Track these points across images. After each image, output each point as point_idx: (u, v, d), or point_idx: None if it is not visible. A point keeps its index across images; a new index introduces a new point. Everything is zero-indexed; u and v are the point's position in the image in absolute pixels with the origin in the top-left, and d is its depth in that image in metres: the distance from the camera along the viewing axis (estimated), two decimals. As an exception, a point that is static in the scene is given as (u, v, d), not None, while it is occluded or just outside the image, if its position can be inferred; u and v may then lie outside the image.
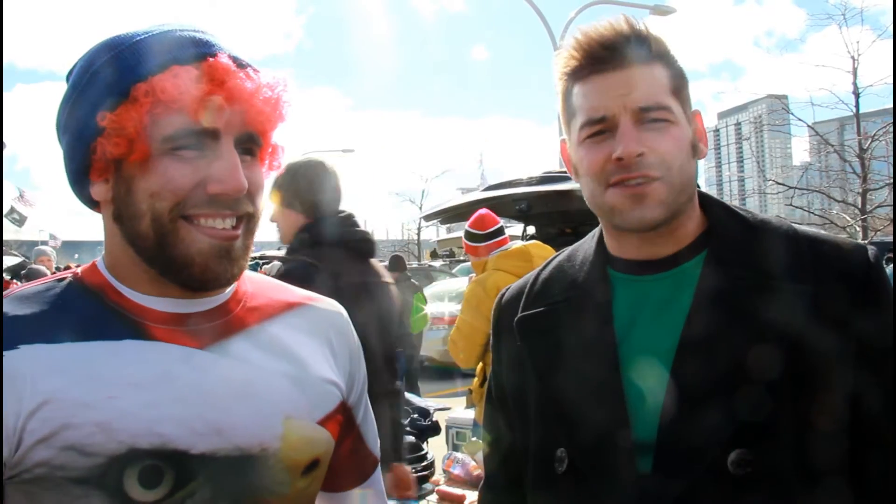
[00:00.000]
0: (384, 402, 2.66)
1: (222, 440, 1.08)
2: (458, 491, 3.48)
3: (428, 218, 10.19)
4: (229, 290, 1.20)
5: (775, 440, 1.16)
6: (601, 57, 1.26)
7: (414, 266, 19.42)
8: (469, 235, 4.83)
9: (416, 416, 5.58)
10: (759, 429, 1.16)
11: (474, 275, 4.92)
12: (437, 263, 23.39)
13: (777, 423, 1.17)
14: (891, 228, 21.29)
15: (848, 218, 22.41)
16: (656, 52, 1.28)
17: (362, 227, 3.06)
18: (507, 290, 1.53)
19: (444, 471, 3.71)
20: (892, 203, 21.75)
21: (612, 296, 1.33)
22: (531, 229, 9.37)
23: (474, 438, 3.89)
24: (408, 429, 5.34)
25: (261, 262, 9.86)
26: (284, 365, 1.19)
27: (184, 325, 1.13)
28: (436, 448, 5.21)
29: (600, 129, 1.26)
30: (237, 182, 1.08)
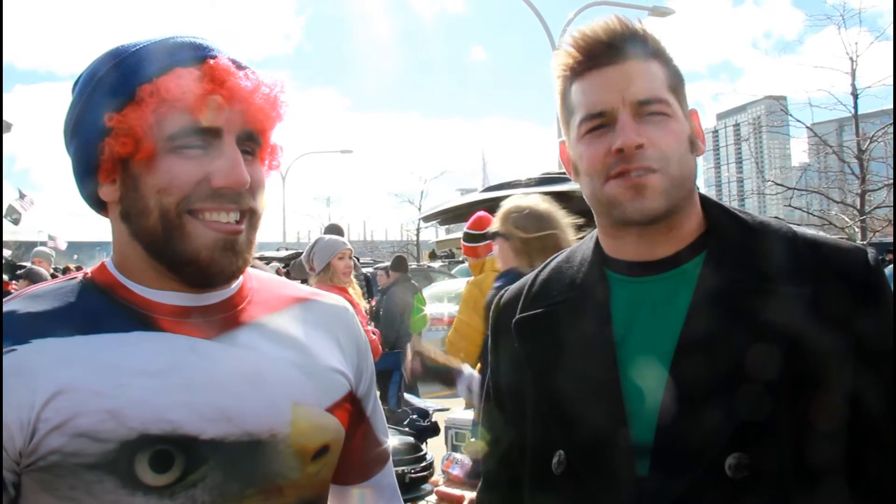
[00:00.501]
0: None
1: (232, 426, 1.11)
2: (457, 491, 3.48)
3: (427, 219, 10.20)
4: (235, 285, 1.24)
5: (773, 442, 1.17)
6: (598, 53, 1.27)
7: (413, 267, 19.41)
8: (467, 237, 4.83)
9: (415, 416, 5.59)
10: (757, 431, 1.16)
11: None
12: (437, 264, 23.36)
13: (775, 425, 1.17)
14: (889, 229, 21.32)
15: (847, 219, 22.44)
16: (653, 50, 1.29)
17: None
18: (505, 291, 1.53)
19: (444, 471, 3.71)
20: (890, 204, 21.78)
21: (610, 297, 1.33)
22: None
23: (473, 439, 3.89)
24: (407, 429, 5.34)
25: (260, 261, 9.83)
26: (292, 353, 1.23)
27: (192, 318, 1.17)
28: (435, 449, 5.22)
29: (599, 123, 1.27)
30: (240, 175, 1.13)
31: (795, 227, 1.33)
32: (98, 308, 1.15)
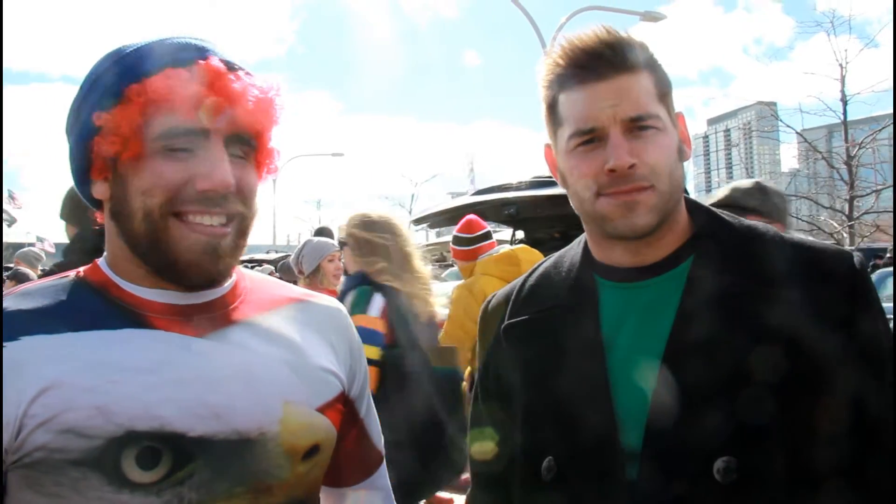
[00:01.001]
0: None
1: (221, 423, 1.11)
2: (446, 495, 3.48)
3: (417, 222, 10.17)
4: (228, 284, 1.24)
5: (763, 445, 1.17)
6: (587, 66, 1.27)
7: (403, 270, 19.28)
8: (457, 240, 4.84)
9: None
10: (746, 434, 1.16)
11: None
12: (427, 268, 23.33)
13: (765, 429, 1.17)
14: (878, 235, 21.44)
15: (835, 224, 22.57)
16: (641, 60, 1.28)
17: None
18: (493, 297, 1.53)
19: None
20: (878, 210, 21.89)
21: (599, 302, 1.33)
22: (520, 233, 9.37)
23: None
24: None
25: (249, 265, 9.81)
26: (283, 352, 1.22)
27: (183, 316, 1.17)
28: (424, 452, 5.19)
29: (590, 138, 1.27)
30: (223, 178, 1.12)
31: (782, 232, 1.34)
32: (89, 306, 1.15)
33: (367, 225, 3.64)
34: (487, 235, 4.80)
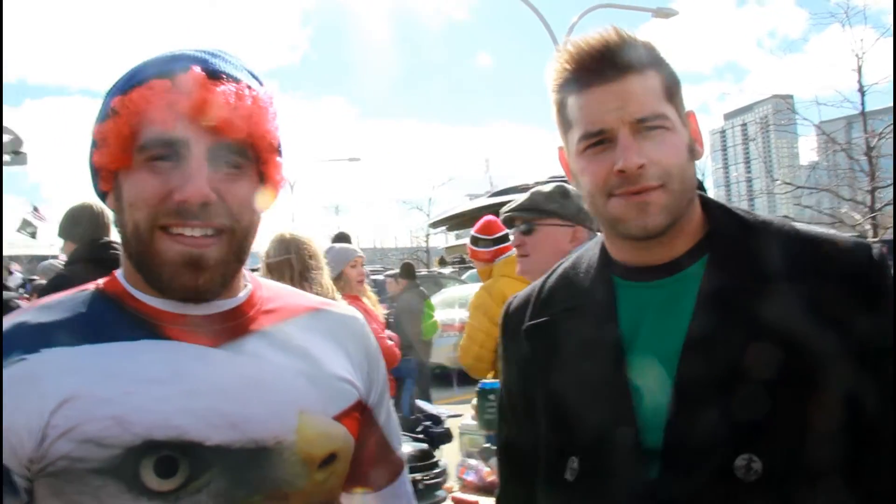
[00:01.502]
0: None
1: (237, 432, 1.12)
2: (471, 497, 3.47)
3: (435, 225, 10.25)
4: (244, 293, 1.25)
5: (782, 442, 1.16)
6: (594, 69, 1.27)
7: (423, 273, 19.40)
8: (475, 241, 4.83)
9: (428, 423, 5.58)
10: (765, 431, 1.16)
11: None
12: (447, 270, 23.37)
13: (783, 425, 1.17)
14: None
15: (857, 216, 22.33)
16: (648, 60, 1.28)
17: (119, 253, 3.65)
18: (514, 298, 1.54)
19: (458, 478, 3.70)
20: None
21: (616, 301, 1.34)
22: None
23: (487, 445, 3.88)
24: (420, 436, 5.33)
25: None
26: (298, 362, 1.23)
27: (198, 326, 1.18)
28: (449, 455, 5.20)
29: (599, 140, 1.27)
30: (196, 189, 1.10)
31: (798, 225, 1.33)
32: (107, 317, 1.16)
33: (270, 249, 3.76)
34: (506, 237, 4.78)
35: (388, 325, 10.04)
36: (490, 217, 4.87)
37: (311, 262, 3.72)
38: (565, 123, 1.34)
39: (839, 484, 1.17)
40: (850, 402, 1.18)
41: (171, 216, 1.12)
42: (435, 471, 4.68)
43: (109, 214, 3.96)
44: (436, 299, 12.49)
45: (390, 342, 5.70)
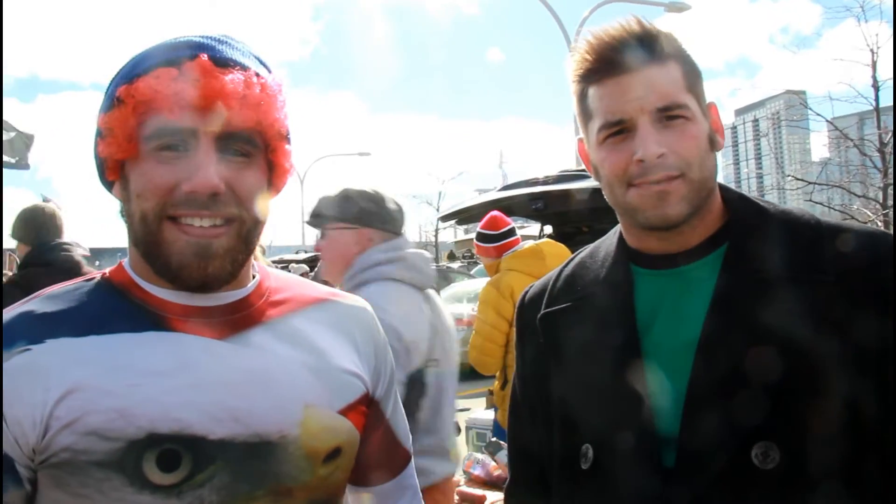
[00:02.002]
0: None
1: (241, 426, 1.11)
2: (478, 492, 3.48)
3: (444, 219, 10.19)
4: (252, 284, 1.24)
5: (799, 433, 1.15)
6: (614, 59, 1.27)
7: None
8: (481, 237, 4.83)
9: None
10: (782, 421, 1.15)
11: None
12: (455, 265, 23.34)
13: (799, 416, 1.16)
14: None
15: (869, 213, 22.19)
16: (668, 51, 1.28)
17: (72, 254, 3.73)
18: (530, 288, 1.54)
19: (465, 471, 3.71)
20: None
21: (633, 290, 1.33)
22: (548, 228, 9.35)
23: (494, 438, 3.88)
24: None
25: (279, 266, 9.87)
26: (304, 355, 1.22)
27: (204, 318, 1.17)
28: (456, 449, 5.19)
29: (619, 129, 1.27)
30: (205, 179, 1.09)
31: (818, 215, 1.32)
32: (112, 308, 1.15)
33: None
34: (512, 232, 4.78)
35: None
36: (496, 213, 4.86)
37: None
38: (585, 114, 1.33)
39: (859, 476, 1.16)
40: (870, 395, 1.17)
41: (180, 206, 1.10)
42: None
43: (62, 216, 3.98)
44: (444, 294, 12.48)
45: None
